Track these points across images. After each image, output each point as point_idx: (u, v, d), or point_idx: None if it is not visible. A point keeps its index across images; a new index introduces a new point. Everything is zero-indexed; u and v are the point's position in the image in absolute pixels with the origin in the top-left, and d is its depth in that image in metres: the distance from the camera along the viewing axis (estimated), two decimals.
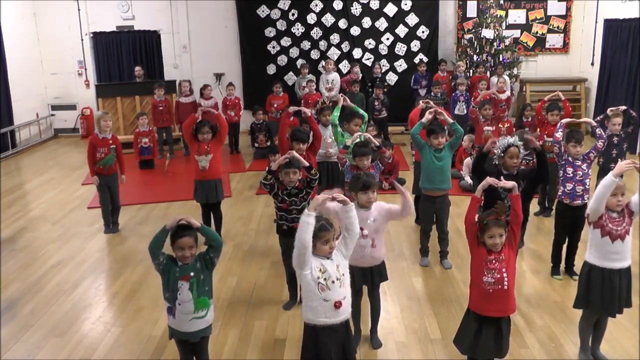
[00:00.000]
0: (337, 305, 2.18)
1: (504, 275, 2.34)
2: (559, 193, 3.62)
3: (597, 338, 2.77)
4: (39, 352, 2.96)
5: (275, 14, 8.59)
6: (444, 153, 3.71)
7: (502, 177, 2.87)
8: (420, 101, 4.56)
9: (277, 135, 4.54)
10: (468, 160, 5.58)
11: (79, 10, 8.81)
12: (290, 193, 3.16)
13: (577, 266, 3.44)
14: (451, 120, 3.82)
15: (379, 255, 2.80)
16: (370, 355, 2.89)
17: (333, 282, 2.18)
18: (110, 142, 4.67)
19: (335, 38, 8.63)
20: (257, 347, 2.94)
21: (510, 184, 2.45)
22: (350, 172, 3.54)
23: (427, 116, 3.70)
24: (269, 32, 8.65)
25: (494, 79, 7.50)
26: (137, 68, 8.28)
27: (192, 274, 2.32)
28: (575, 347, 2.84)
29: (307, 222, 2.12)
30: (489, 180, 2.45)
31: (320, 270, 2.17)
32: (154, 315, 3.33)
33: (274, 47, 8.73)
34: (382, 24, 8.59)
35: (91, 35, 8.84)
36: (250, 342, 3.00)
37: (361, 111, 4.56)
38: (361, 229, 2.66)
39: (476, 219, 2.37)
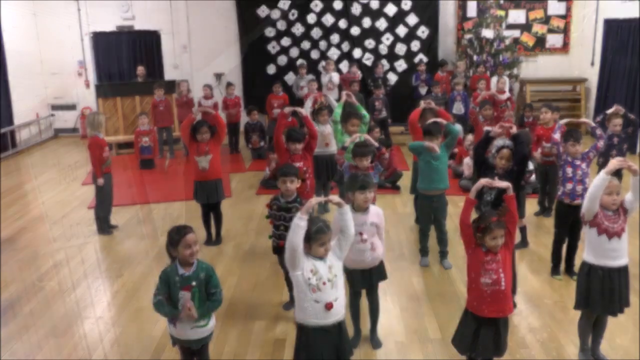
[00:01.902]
0: (328, 306, 2.18)
1: (501, 276, 2.35)
2: (559, 193, 3.62)
3: (597, 338, 2.77)
4: (39, 352, 2.96)
5: (275, 14, 8.60)
6: (440, 153, 3.71)
7: (496, 177, 2.87)
8: (421, 101, 4.57)
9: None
10: (467, 160, 5.59)
11: (79, 10, 8.81)
12: (281, 207, 3.15)
13: (577, 266, 3.45)
14: (445, 122, 3.82)
15: (378, 255, 2.81)
16: (370, 355, 2.89)
17: (324, 283, 2.18)
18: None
19: (335, 38, 8.63)
20: (257, 347, 2.95)
21: (505, 184, 2.45)
22: (349, 172, 3.54)
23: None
24: (269, 32, 8.65)
25: (495, 79, 7.50)
26: (140, 68, 8.30)
27: (194, 283, 2.31)
28: (575, 347, 2.84)
29: (298, 225, 2.12)
30: (483, 181, 2.46)
31: (312, 271, 2.17)
32: (154, 315, 3.33)
33: (274, 47, 8.73)
34: (382, 24, 8.59)
35: (91, 35, 8.85)
36: (250, 342, 3.00)
37: (363, 111, 4.56)
38: (360, 233, 2.67)
39: (472, 220, 2.38)
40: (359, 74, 8.03)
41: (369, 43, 8.77)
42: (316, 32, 8.74)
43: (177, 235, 2.29)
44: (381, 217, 2.75)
